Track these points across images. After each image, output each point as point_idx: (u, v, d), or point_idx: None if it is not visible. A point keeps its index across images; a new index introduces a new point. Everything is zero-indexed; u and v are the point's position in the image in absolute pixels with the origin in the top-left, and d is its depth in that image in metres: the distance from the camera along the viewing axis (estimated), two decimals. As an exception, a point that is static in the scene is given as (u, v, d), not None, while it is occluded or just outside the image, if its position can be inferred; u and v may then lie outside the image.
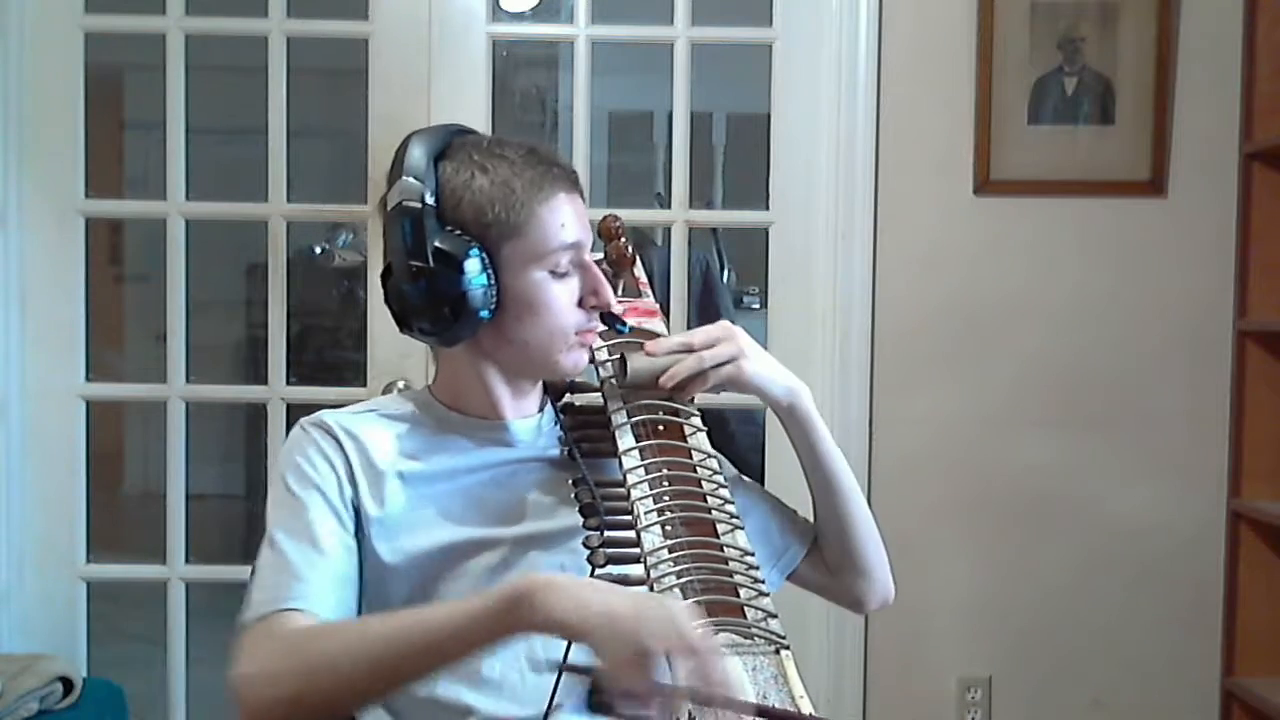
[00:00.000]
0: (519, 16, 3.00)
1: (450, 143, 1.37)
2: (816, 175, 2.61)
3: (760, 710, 0.97)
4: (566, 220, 1.34)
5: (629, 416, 1.32)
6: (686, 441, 1.29)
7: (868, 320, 2.59)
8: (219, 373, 4.68)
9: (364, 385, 2.60)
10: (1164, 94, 2.58)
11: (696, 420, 1.34)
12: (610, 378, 1.39)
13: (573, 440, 1.36)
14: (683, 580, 1.06)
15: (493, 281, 1.31)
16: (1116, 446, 2.64)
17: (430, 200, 1.31)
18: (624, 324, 1.40)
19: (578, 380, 1.43)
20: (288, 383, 2.64)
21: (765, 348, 1.46)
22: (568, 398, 1.43)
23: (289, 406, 2.60)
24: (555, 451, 1.40)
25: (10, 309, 2.57)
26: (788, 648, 1.01)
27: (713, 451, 1.29)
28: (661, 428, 1.30)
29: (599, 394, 1.39)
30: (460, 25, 2.60)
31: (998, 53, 2.57)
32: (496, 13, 2.70)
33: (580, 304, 1.36)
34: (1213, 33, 2.59)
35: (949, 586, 2.63)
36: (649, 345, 1.41)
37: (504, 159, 1.34)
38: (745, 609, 1.04)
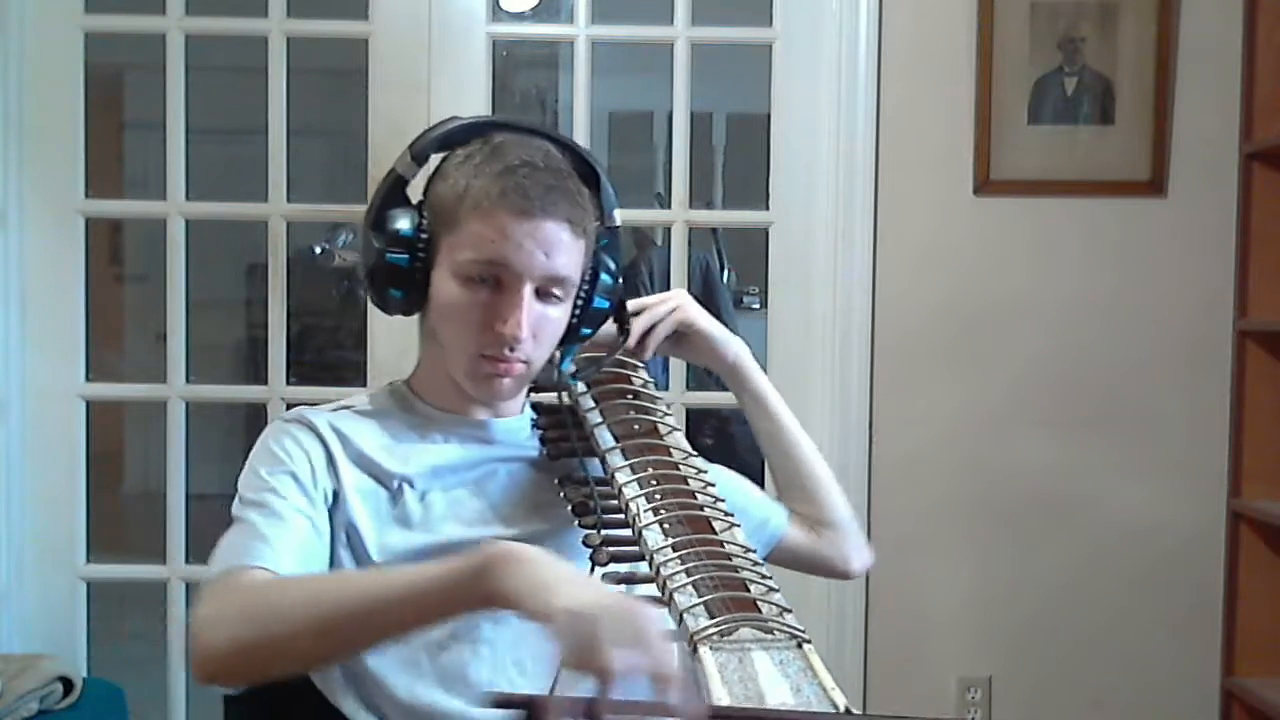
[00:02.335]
0: (519, 16, 3.01)
1: (485, 133, 1.36)
2: (816, 175, 2.61)
3: (719, 713, 0.92)
4: (503, 238, 1.29)
5: (603, 417, 1.32)
6: (664, 440, 1.29)
7: (868, 320, 2.59)
8: (219, 373, 4.68)
9: (364, 385, 2.60)
10: (1164, 94, 2.58)
11: (671, 419, 1.35)
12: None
13: (550, 440, 1.35)
14: (693, 578, 1.06)
15: (419, 264, 1.33)
16: (1116, 447, 2.64)
17: (415, 176, 1.34)
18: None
19: (538, 381, 1.41)
20: (288, 383, 2.65)
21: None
22: (534, 397, 1.43)
23: (289, 406, 2.58)
24: (533, 452, 1.40)
25: (10, 309, 2.57)
26: (809, 641, 1.01)
27: (691, 450, 1.29)
28: (637, 426, 1.31)
29: (556, 394, 1.39)
30: (460, 25, 2.60)
31: (998, 53, 2.57)
32: (496, 13, 2.70)
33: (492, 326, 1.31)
34: (1213, 33, 2.59)
35: (949, 586, 2.63)
36: None
37: (491, 165, 1.31)
38: (759, 604, 1.03)
